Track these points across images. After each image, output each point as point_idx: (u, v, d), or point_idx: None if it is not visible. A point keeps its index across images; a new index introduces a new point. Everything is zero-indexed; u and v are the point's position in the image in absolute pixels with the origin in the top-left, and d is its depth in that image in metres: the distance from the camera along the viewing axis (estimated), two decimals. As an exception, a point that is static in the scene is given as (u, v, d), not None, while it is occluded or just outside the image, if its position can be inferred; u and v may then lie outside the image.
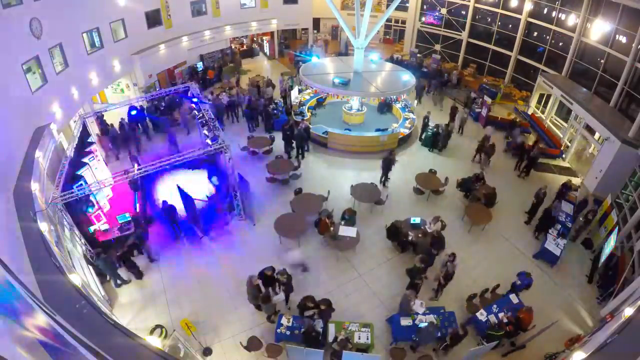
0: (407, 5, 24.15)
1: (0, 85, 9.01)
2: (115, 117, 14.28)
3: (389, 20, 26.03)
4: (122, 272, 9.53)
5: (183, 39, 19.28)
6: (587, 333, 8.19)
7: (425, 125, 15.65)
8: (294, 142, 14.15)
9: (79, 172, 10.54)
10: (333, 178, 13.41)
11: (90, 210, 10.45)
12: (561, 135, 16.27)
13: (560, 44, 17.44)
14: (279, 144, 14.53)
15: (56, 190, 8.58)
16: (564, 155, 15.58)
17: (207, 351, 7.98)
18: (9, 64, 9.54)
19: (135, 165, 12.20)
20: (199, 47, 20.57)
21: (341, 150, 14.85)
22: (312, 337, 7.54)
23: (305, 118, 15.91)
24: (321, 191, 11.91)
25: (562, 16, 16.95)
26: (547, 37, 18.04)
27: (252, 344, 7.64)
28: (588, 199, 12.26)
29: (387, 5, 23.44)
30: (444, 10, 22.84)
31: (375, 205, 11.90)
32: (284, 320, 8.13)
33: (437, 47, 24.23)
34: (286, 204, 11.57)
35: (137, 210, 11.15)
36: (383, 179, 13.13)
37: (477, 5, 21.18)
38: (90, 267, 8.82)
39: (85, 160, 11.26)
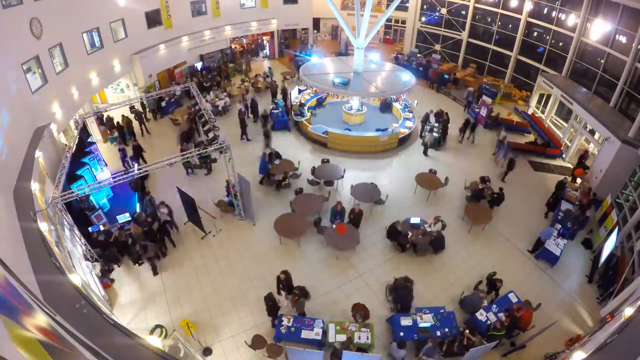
0: (407, 5, 24.15)
1: (0, 85, 9.00)
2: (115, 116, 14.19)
3: (389, 20, 26.03)
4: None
5: (183, 39, 19.29)
6: (587, 333, 8.18)
7: (425, 122, 15.75)
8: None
9: (79, 172, 10.54)
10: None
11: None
12: (561, 135, 16.27)
13: (560, 44, 17.42)
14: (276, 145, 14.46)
15: (56, 190, 8.58)
16: (564, 155, 15.57)
17: (207, 351, 7.98)
18: (9, 64, 9.54)
19: (135, 165, 12.19)
20: (199, 47, 20.58)
21: (341, 150, 14.85)
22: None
23: (306, 117, 15.92)
24: (321, 191, 11.89)
25: (562, 16, 16.93)
26: (547, 37, 18.03)
27: (257, 343, 7.68)
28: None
29: (387, 5, 23.43)
30: (444, 10, 22.83)
31: (375, 205, 11.91)
32: (284, 321, 8.14)
33: (437, 47, 24.24)
34: (286, 204, 11.57)
35: (138, 210, 11.15)
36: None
37: (477, 5, 21.18)
38: (90, 266, 8.82)
39: (85, 160, 11.26)
